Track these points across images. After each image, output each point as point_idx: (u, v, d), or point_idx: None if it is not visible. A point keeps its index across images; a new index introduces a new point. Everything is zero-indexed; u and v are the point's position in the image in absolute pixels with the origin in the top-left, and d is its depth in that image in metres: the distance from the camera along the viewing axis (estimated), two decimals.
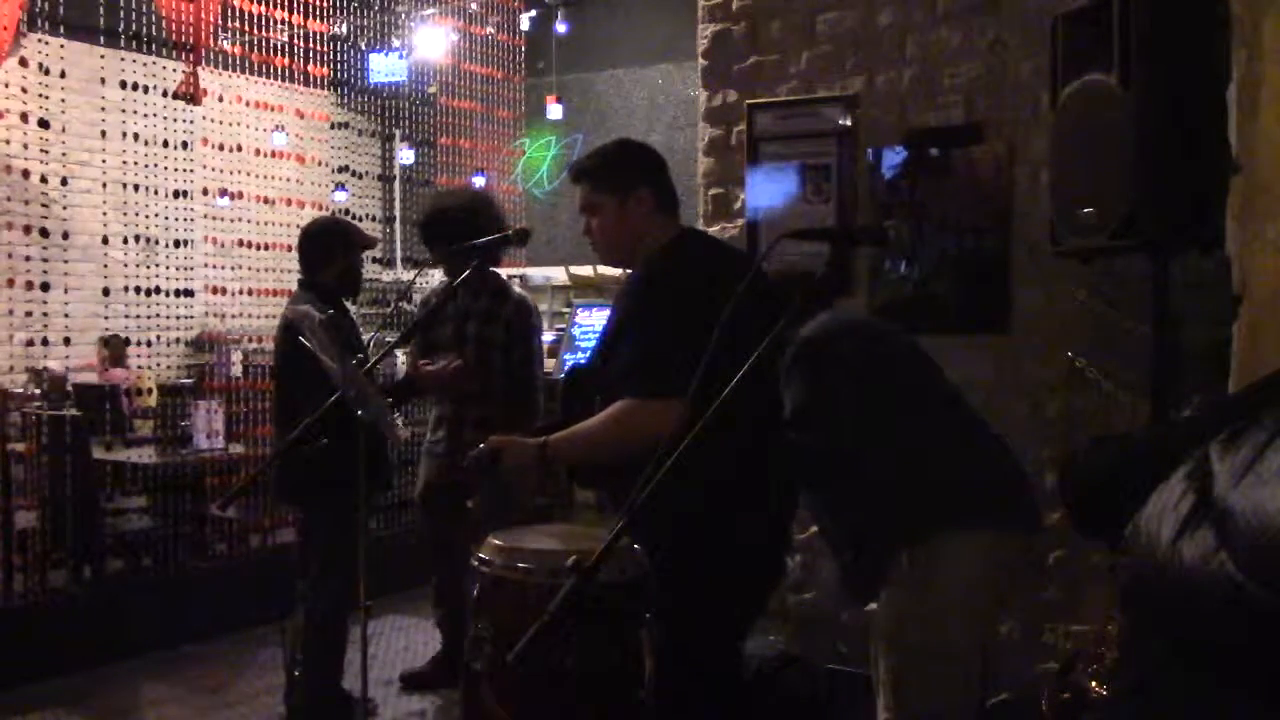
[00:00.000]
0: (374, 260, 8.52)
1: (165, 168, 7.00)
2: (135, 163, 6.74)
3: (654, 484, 1.78)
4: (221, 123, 7.53)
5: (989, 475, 2.64)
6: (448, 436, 4.18)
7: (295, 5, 7.20)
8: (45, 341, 5.83)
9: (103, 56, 6.58)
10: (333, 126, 8.98)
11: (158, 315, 6.42)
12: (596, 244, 2.72)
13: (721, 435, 1.86)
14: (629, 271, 2.79)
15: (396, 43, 9.30)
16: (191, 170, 7.41)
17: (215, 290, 7.29)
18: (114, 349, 7.52)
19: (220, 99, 7.75)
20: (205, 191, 7.40)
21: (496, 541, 2.35)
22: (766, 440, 2.72)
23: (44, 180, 6.18)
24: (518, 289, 4.33)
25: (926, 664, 2.54)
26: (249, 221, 7.42)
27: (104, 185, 6.91)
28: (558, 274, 10.14)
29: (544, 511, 4.54)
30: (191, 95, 6.85)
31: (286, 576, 3.88)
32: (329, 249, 3.86)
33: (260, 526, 5.60)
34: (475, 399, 4.07)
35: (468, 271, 3.37)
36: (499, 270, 4.27)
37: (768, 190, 4.19)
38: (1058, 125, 2.97)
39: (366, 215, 8.52)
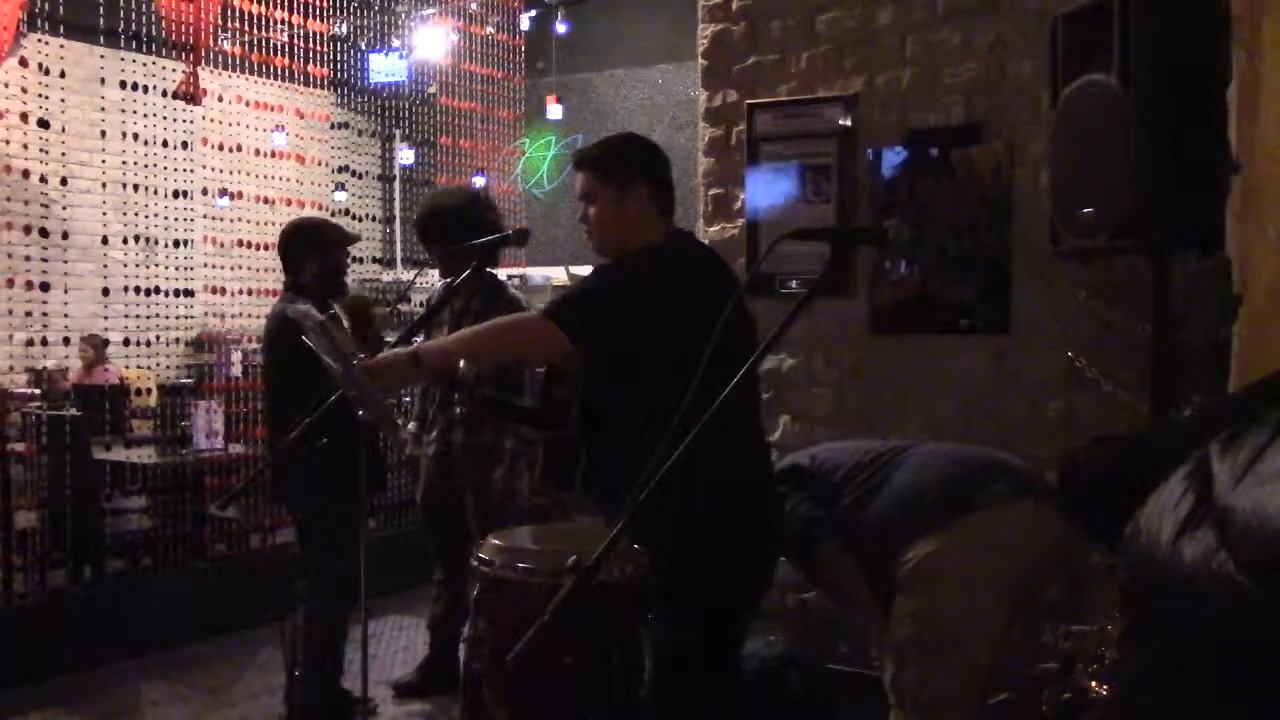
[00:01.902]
0: (374, 260, 8.52)
1: (165, 168, 6.99)
2: (135, 163, 6.73)
3: (654, 484, 1.77)
4: (221, 123, 7.52)
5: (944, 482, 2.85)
6: (437, 438, 4.18)
7: (295, 5, 7.20)
8: (45, 341, 5.82)
9: (103, 56, 6.58)
10: (333, 126, 8.97)
11: (157, 315, 6.41)
12: (591, 233, 2.73)
13: (720, 435, 1.86)
14: None
15: (396, 43, 9.29)
16: (191, 170, 7.40)
17: (215, 290, 7.28)
18: (96, 347, 7.55)
19: (220, 99, 7.75)
20: (205, 191, 7.40)
21: (496, 541, 2.35)
22: (762, 439, 2.74)
23: (44, 180, 6.18)
24: (512, 290, 4.32)
25: (927, 653, 2.59)
26: (249, 221, 7.41)
27: (104, 185, 6.90)
28: (558, 274, 10.13)
29: (543, 511, 4.54)
30: (191, 95, 6.84)
31: (286, 576, 3.88)
32: (302, 250, 3.86)
33: (260, 526, 5.59)
34: (465, 401, 4.07)
35: (467, 272, 3.37)
36: (495, 271, 4.27)
37: (768, 190, 4.19)
38: (1058, 125, 2.97)
39: (366, 215, 8.51)
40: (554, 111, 10.11)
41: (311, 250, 3.85)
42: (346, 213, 8.11)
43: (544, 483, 3.12)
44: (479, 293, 4.10)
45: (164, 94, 6.86)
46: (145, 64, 6.83)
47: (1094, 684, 2.81)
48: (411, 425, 4.31)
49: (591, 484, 2.69)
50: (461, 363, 2.72)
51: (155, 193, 6.86)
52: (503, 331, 2.68)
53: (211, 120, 7.54)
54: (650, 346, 2.47)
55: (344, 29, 8.75)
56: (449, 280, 4.31)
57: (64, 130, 7.48)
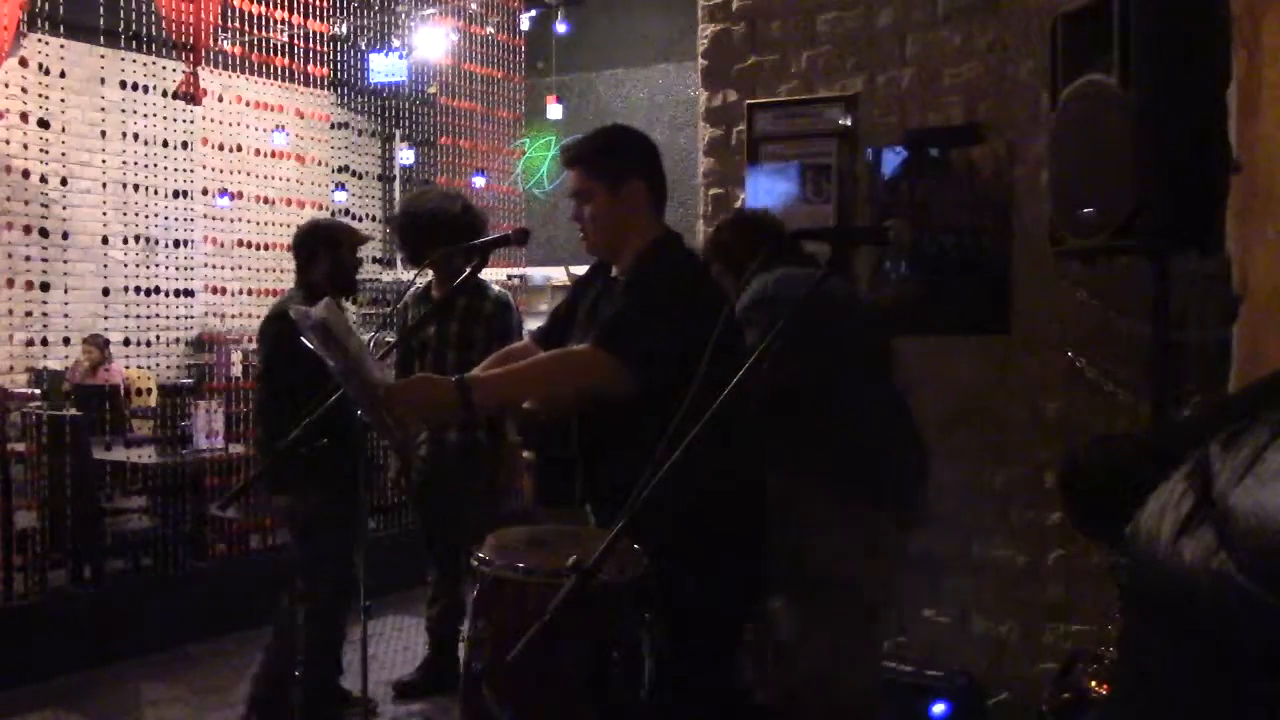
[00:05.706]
0: (374, 260, 8.52)
1: (165, 168, 7.01)
2: (135, 163, 6.75)
3: (654, 484, 1.77)
4: (221, 123, 7.54)
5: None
6: (429, 438, 4.17)
7: (295, 5, 7.21)
8: (45, 341, 5.83)
9: (103, 56, 6.59)
10: (333, 126, 8.99)
11: (158, 315, 6.43)
12: (586, 232, 2.62)
13: (719, 435, 1.86)
14: (615, 274, 2.71)
15: (396, 43, 9.30)
16: (191, 170, 7.42)
17: (215, 290, 7.29)
18: (100, 347, 7.55)
19: (220, 99, 7.76)
20: (205, 191, 7.41)
21: (496, 541, 2.35)
22: (762, 440, 2.73)
23: (44, 180, 6.19)
24: (496, 286, 4.32)
25: None
26: (249, 221, 7.43)
27: (104, 185, 6.92)
28: (558, 274, 10.13)
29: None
30: (191, 95, 6.85)
31: (286, 576, 3.88)
32: (314, 249, 3.88)
33: (260, 526, 5.60)
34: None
35: (468, 272, 3.36)
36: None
37: (768, 190, 4.19)
38: (1058, 125, 2.97)
39: (366, 215, 8.53)
40: (554, 111, 10.13)
41: (325, 250, 3.87)
42: (346, 213, 8.13)
43: (538, 503, 3.07)
44: (464, 291, 4.10)
45: (164, 94, 6.87)
46: (145, 64, 6.84)
47: (1094, 684, 2.81)
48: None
49: (595, 494, 2.63)
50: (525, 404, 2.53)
51: (155, 193, 6.87)
52: (560, 369, 2.46)
53: (211, 120, 7.56)
54: (686, 362, 2.38)
55: (344, 29, 8.75)
56: (429, 282, 4.33)
57: (64, 130, 7.48)
